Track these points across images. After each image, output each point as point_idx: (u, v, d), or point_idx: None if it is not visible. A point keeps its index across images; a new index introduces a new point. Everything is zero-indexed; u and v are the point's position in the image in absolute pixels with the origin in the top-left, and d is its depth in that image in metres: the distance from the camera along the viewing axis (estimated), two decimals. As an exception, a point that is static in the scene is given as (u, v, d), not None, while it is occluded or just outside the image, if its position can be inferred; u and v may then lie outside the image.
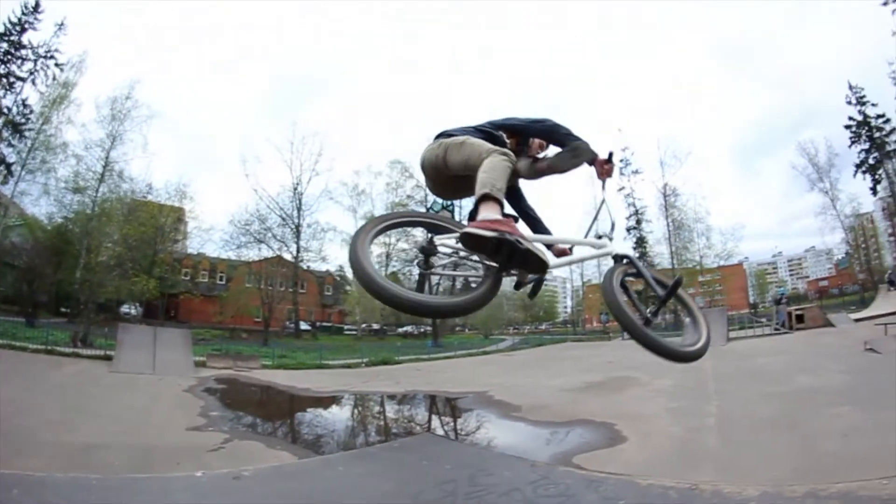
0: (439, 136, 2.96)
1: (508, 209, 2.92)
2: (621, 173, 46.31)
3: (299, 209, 42.15)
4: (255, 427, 9.75)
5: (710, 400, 10.36)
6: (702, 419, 8.80)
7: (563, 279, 65.90)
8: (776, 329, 26.52)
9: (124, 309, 35.53)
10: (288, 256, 42.07)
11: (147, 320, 30.63)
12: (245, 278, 40.48)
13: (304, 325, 42.66)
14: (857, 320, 24.75)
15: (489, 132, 2.96)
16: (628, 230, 47.16)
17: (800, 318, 25.80)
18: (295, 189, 42.06)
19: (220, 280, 43.60)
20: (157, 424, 8.65)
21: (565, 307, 71.70)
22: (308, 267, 44.77)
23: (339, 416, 11.62)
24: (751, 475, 5.85)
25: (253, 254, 41.02)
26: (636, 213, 46.75)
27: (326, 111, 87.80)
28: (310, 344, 29.34)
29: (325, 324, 47.46)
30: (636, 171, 46.10)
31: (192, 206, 40.02)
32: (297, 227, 41.89)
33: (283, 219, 41.78)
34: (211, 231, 40.85)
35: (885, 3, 33.23)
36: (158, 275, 36.20)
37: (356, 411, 12.05)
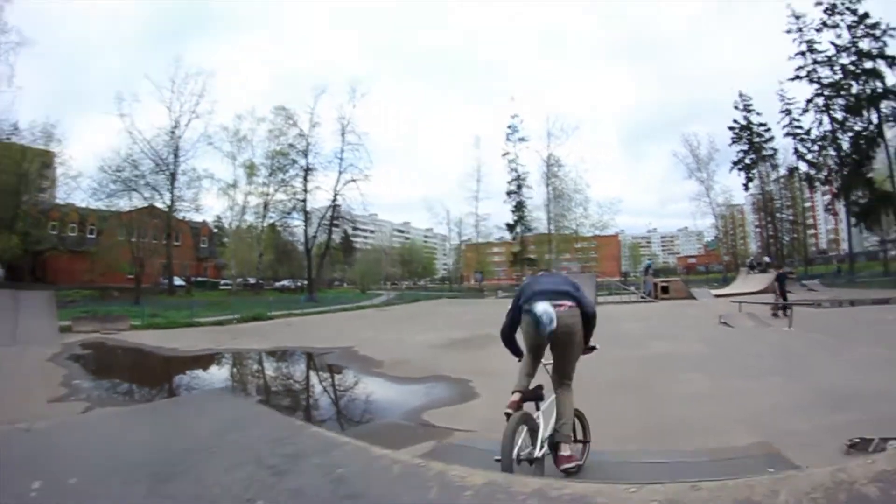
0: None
1: None
2: (508, 139, 49.53)
3: (176, 155, 39.27)
4: (119, 392, 9.57)
5: (570, 360, 10.69)
6: (555, 376, 8.98)
7: (443, 237, 67.68)
8: (642, 297, 28.81)
9: (-18, 272, 31.27)
10: (161, 206, 39.01)
11: (11, 283, 27.18)
12: (117, 231, 36.74)
13: (178, 281, 40.88)
14: (717, 296, 27.76)
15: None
16: (508, 194, 49.97)
17: (665, 290, 28.33)
18: (173, 132, 39.21)
19: (91, 234, 39.48)
20: (14, 401, 7.82)
21: (445, 265, 73.86)
22: (184, 217, 42.47)
23: (201, 375, 11.07)
24: (596, 435, 5.86)
25: (124, 203, 37.62)
26: (518, 178, 49.38)
27: (213, 49, 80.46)
28: (184, 301, 28.30)
29: (200, 279, 45.80)
30: (522, 139, 49.17)
31: (60, 149, 36.23)
32: (173, 174, 38.91)
33: (158, 164, 38.60)
34: (79, 178, 37.19)
35: (788, 31, 39.71)
36: (22, 230, 32.45)
37: (217, 370, 11.66)
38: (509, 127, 49.29)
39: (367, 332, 16.65)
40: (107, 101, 43.59)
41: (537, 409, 4.15)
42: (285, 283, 50.06)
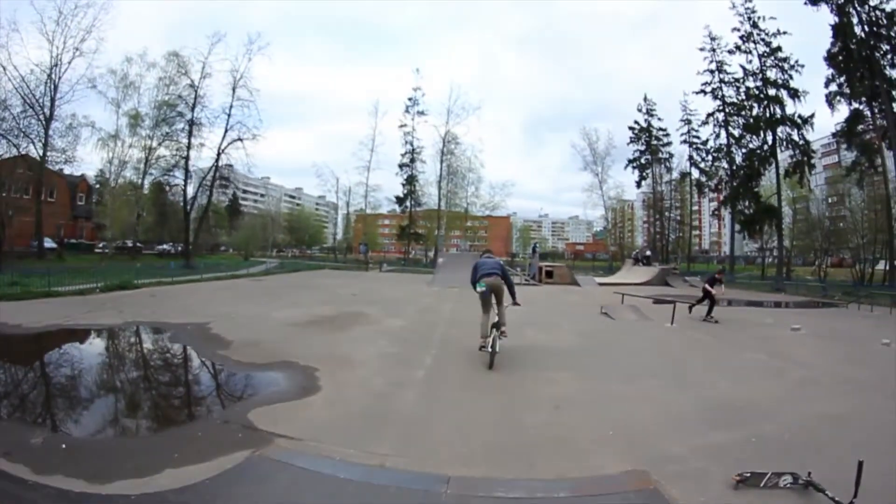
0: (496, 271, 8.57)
1: None
2: (407, 111, 49.53)
3: (53, 97, 34.91)
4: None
5: (430, 348, 9.75)
6: (410, 371, 7.99)
7: (335, 206, 65.79)
8: (527, 280, 28.77)
9: None
10: (33, 156, 34.35)
11: None
12: None
13: (50, 243, 36.69)
14: (601, 284, 28.24)
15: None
16: (401, 167, 49.60)
17: (549, 274, 28.54)
18: (52, 70, 34.64)
19: None
20: None
21: (335, 234, 71.90)
22: (60, 170, 38.45)
23: (27, 359, 9.18)
24: (437, 451, 4.89)
25: None
26: (412, 151, 49.30)
27: None
28: (53, 266, 24.65)
29: (74, 241, 41.95)
30: (422, 113, 49.25)
31: None
32: (48, 118, 34.59)
33: (32, 106, 33.86)
34: None
35: (701, 49, 44.14)
36: None
37: (46, 351, 9.71)
38: (410, 99, 49.40)
39: (230, 305, 15.27)
40: None
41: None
42: (166, 247, 46.69)
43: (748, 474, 4.05)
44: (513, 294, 8.65)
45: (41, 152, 34.68)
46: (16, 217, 32.57)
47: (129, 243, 42.19)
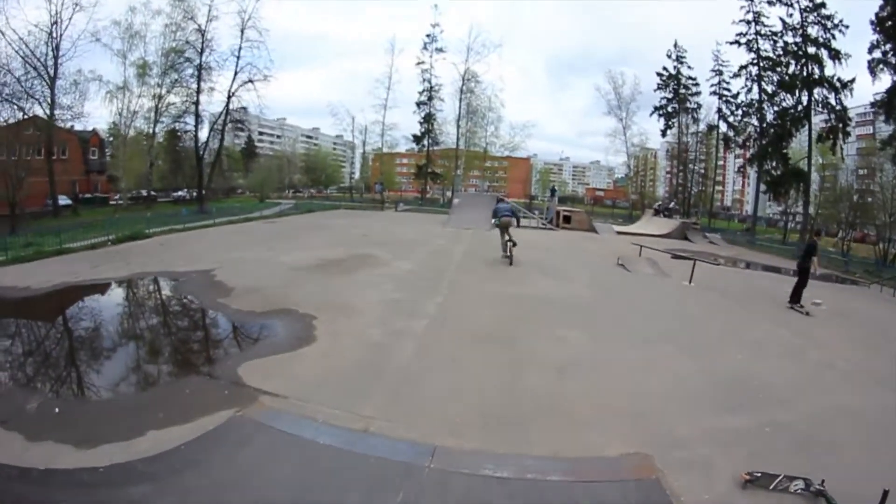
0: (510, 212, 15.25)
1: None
2: (425, 48, 46.92)
3: (56, 56, 33.51)
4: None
5: (436, 294, 9.39)
6: (411, 321, 7.70)
7: (353, 145, 64.64)
8: (544, 224, 28.15)
9: None
10: (40, 115, 33.03)
11: None
12: None
13: (65, 200, 36.35)
14: (620, 233, 27.48)
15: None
16: (419, 105, 48.04)
17: (567, 219, 27.83)
18: (52, 29, 32.78)
19: None
20: None
21: (351, 173, 71.04)
22: (71, 127, 37.05)
23: (29, 321, 8.97)
24: (427, 415, 4.64)
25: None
26: (430, 89, 47.44)
27: None
28: (68, 223, 24.91)
29: (89, 195, 40.97)
30: (440, 50, 46.81)
31: None
32: (52, 77, 33.30)
33: (35, 67, 32.46)
34: None
35: None
36: None
37: (48, 312, 9.52)
38: (428, 36, 46.85)
39: (238, 250, 14.98)
40: None
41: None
42: (181, 193, 45.82)
43: (759, 474, 3.79)
44: (517, 224, 16.44)
45: (49, 112, 33.95)
46: (29, 178, 31.94)
47: (144, 193, 41.82)
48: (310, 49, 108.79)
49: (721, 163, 51.59)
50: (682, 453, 4.15)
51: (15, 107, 32.22)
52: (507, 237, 13.78)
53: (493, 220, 14.62)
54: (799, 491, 3.71)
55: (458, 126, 47.59)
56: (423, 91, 47.75)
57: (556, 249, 17.89)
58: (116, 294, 10.69)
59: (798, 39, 37.70)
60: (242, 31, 40.30)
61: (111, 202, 40.85)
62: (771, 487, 3.71)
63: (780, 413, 5.20)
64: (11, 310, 9.44)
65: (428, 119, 48.06)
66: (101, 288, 10.99)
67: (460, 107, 47.37)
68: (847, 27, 36.07)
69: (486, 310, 8.51)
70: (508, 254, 13.57)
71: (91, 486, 3.55)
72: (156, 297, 10.58)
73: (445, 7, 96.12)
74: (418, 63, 47.28)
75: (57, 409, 4.84)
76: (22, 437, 4.17)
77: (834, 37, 36.44)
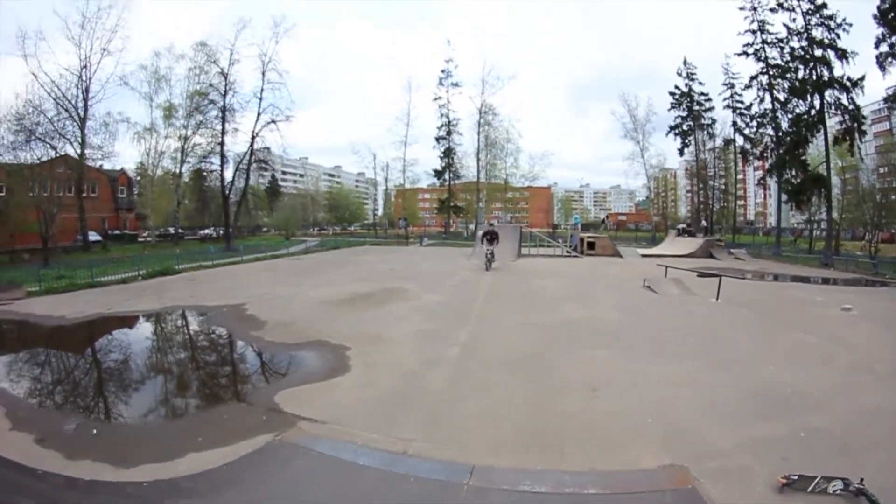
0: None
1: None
2: (440, 83, 48.39)
3: (86, 98, 35.59)
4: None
5: (466, 324, 9.51)
6: (444, 349, 7.83)
7: (375, 182, 65.88)
8: (568, 252, 28.13)
9: None
10: (73, 155, 35.13)
11: None
12: (26, 186, 32.28)
13: (94, 236, 37.78)
14: (645, 255, 27.25)
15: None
16: (438, 140, 48.98)
17: (591, 245, 27.78)
18: (81, 72, 35.34)
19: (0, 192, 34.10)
20: None
21: (375, 210, 72.17)
22: (100, 166, 39.13)
23: (65, 349, 9.37)
24: (464, 437, 4.72)
25: (27, 156, 33.05)
26: (448, 124, 48.58)
27: None
28: (98, 258, 25.50)
29: (118, 232, 42.78)
30: (456, 84, 48.34)
31: None
32: (83, 118, 35.33)
33: (66, 109, 34.65)
34: None
35: (741, 8, 40.04)
36: None
37: (84, 340, 10.01)
38: (443, 72, 48.36)
39: (267, 286, 15.39)
40: (8, 41, 38.60)
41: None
42: (208, 231, 47.39)
43: (795, 477, 3.70)
44: (496, 243, 20.48)
45: (79, 151, 35.44)
46: (60, 214, 33.26)
47: (171, 230, 43.12)
48: (327, 89, 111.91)
49: (741, 176, 50.83)
50: (716, 462, 4.10)
51: (48, 146, 33.79)
52: (488, 251, 20.03)
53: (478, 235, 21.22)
54: (838, 491, 3.61)
55: (478, 159, 48.30)
56: (442, 126, 48.92)
57: (581, 276, 17.91)
58: (150, 325, 11.04)
59: (804, 43, 37.23)
60: (264, 74, 41.83)
61: (140, 239, 42.12)
62: (809, 490, 3.62)
63: (815, 418, 5.07)
64: (47, 337, 9.91)
65: (448, 153, 48.82)
66: (135, 319, 11.38)
67: (479, 140, 48.27)
68: (850, 25, 35.64)
69: (516, 336, 8.57)
70: (487, 266, 19.51)
71: (136, 498, 3.69)
72: (190, 329, 10.84)
73: (461, 41, 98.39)
74: (435, 98, 48.45)
75: (94, 431, 5.02)
76: (61, 454, 4.32)
77: (839, 36, 35.98)
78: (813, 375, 6.52)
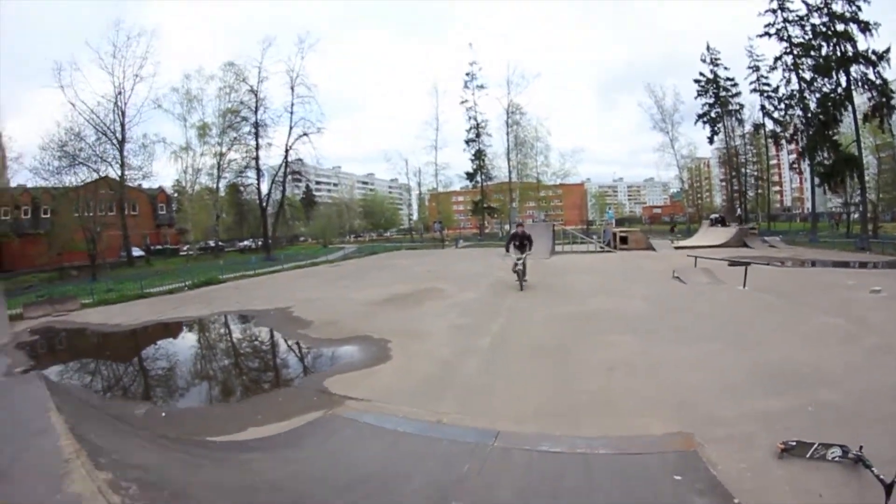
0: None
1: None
2: (466, 86, 48.54)
3: (122, 122, 37.52)
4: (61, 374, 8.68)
5: (498, 317, 9.96)
6: (477, 339, 8.31)
7: (408, 187, 66.71)
8: (602, 248, 28.18)
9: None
10: (114, 177, 37.19)
11: None
12: (70, 208, 34.79)
13: (137, 252, 39.82)
14: (678, 247, 27.09)
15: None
16: (467, 142, 49.21)
17: (624, 240, 27.76)
18: (116, 99, 37.31)
19: (46, 214, 36.98)
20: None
21: (410, 215, 72.94)
22: (139, 185, 41.02)
23: (130, 350, 10.37)
24: (493, 410, 5.22)
25: (71, 179, 35.52)
26: (477, 126, 48.67)
27: (154, 8, 75.15)
28: (142, 272, 27.34)
29: (160, 247, 44.82)
30: (481, 87, 48.27)
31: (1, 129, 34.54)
32: (121, 141, 37.27)
33: (105, 134, 36.75)
34: (20, 159, 35.03)
35: None
36: None
37: (144, 342, 11.03)
38: (468, 74, 48.35)
39: (310, 291, 16.13)
40: (46, 74, 40.92)
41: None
42: (247, 243, 48.97)
43: (794, 443, 3.84)
44: (529, 249, 14.46)
45: (119, 172, 37.23)
46: (104, 232, 35.35)
47: (211, 243, 44.56)
48: (358, 98, 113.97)
49: (774, 162, 49.13)
50: (721, 431, 4.36)
51: (90, 169, 35.81)
52: (518, 261, 13.79)
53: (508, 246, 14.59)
54: (837, 458, 3.66)
55: (509, 159, 48.29)
56: (471, 128, 49.16)
57: (611, 270, 18.06)
58: (203, 327, 11.88)
59: (825, 19, 35.57)
60: (293, 89, 43.18)
61: (181, 252, 43.79)
62: (808, 455, 3.72)
63: (826, 394, 5.16)
64: (107, 340, 10.80)
65: (478, 155, 49.01)
66: (189, 323, 12.26)
67: (508, 140, 48.27)
68: None
69: (545, 327, 8.96)
70: (519, 277, 13.80)
71: (207, 448, 4.38)
72: (239, 329, 11.62)
73: (485, 42, 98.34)
74: (462, 102, 48.68)
75: (163, 414, 5.73)
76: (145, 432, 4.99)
77: (860, 8, 34.30)
78: (830, 355, 6.57)
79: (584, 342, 7.75)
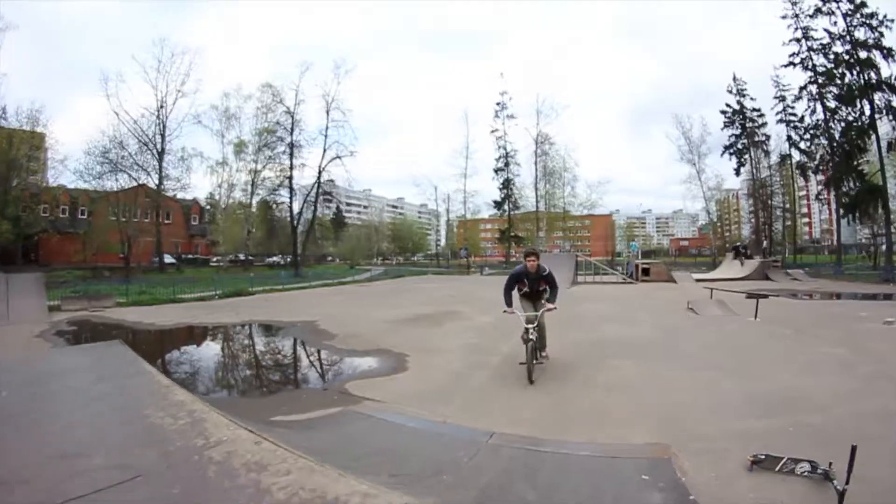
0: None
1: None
2: (496, 116, 49.18)
3: (163, 134, 39.67)
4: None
5: (510, 340, 10.21)
6: (488, 357, 8.77)
7: (437, 213, 67.50)
8: (624, 279, 28.21)
9: (-23, 259, 31.67)
10: (151, 185, 39.36)
11: (3, 267, 27.07)
12: (108, 211, 37.27)
13: (169, 259, 41.12)
14: (698, 280, 26.92)
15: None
16: (496, 171, 49.61)
17: (646, 272, 27.75)
18: (159, 112, 39.60)
19: (83, 215, 39.67)
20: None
21: (437, 240, 73.48)
22: (175, 196, 42.86)
23: (165, 347, 11.39)
24: (492, 415, 5.68)
25: (112, 184, 37.97)
26: (506, 155, 49.10)
27: (198, 27, 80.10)
28: (172, 278, 28.11)
29: (191, 256, 46.34)
30: (511, 116, 48.67)
31: (47, 132, 36.39)
32: (160, 152, 39.33)
33: (145, 144, 39.00)
34: (66, 161, 37.45)
35: (783, 17, 38.46)
36: (13, 214, 32.71)
37: (180, 341, 12.15)
38: (498, 104, 48.86)
39: (336, 307, 16.85)
40: (93, 83, 43.90)
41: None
42: (275, 258, 50.11)
43: (763, 456, 3.98)
44: (551, 299, 7.71)
45: (157, 182, 39.13)
46: (139, 237, 37.33)
47: (241, 256, 45.95)
48: (390, 122, 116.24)
49: (802, 193, 47.81)
50: (699, 445, 4.59)
51: (130, 176, 37.81)
52: (531, 327, 7.12)
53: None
54: (805, 473, 3.77)
55: (536, 189, 48.41)
56: (500, 157, 49.62)
57: (629, 300, 18.19)
58: (233, 333, 12.62)
59: (847, 47, 35.00)
60: (328, 113, 44.26)
61: (212, 263, 44.88)
62: (777, 469, 3.84)
63: (811, 418, 5.26)
64: (142, 337, 11.67)
65: (506, 184, 49.31)
66: (219, 328, 13.04)
67: (536, 170, 48.46)
68: (892, 21, 33.52)
69: (553, 349, 9.24)
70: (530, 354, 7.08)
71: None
72: (268, 337, 12.37)
73: (515, 71, 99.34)
74: (492, 131, 49.24)
75: None
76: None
77: (882, 35, 33.83)
78: (826, 382, 6.68)
79: (589, 364, 8.05)
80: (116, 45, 66.49)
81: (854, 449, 3.40)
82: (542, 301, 7.64)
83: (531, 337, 7.06)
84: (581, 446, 4.59)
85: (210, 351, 10.63)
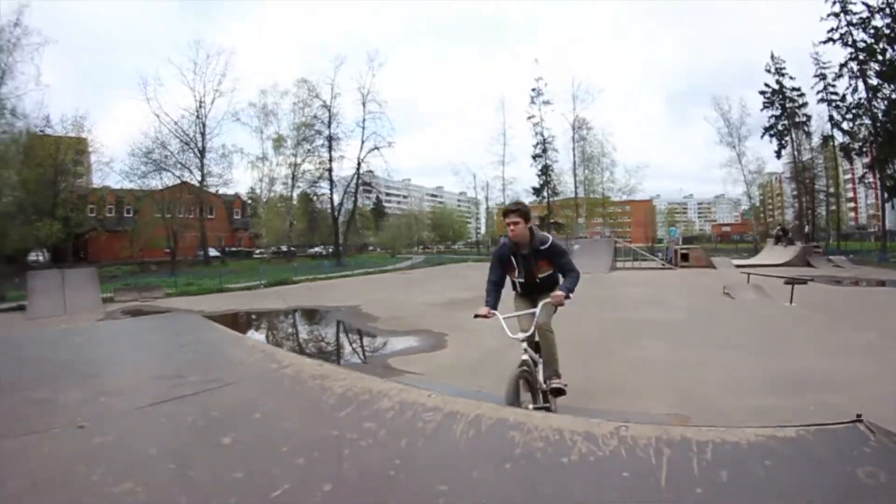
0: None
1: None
2: (532, 102, 47.45)
3: (203, 133, 40.36)
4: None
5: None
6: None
7: (477, 201, 67.16)
8: (663, 265, 27.96)
9: (31, 257, 33.94)
10: (193, 182, 40.35)
11: (56, 265, 28.47)
12: (152, 209, 38.52)
13: (213, 252, 41.95)
14: (738, 266, 26.42)
15: None
16: (534, 157, 48.49)
17: (685, 257, 27.38)
18: (198, 112, 40.32)
19: (128, 213, 41.32)
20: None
21: (478, 228, 73.23)
22: (217, 191, 43.82)
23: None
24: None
25: (156, 183, 39.23)
26: (543, 141, 47.83)
27: (231, 28, 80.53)
28: (218, 270, 29.54)
29: (234, 249, 47.31)
30: (547, 102, 47.08)
31: (91, 137, 38.01)
32: (202, 151, 40.14)
33: (187, 143, 39.82)
34: (112, 163, 38.98)
35: None
36: (62, 216, 34.31)
37: (231, 324, 12.84)
38: (534, 90, 47.39)
39: (378, 293, 17.53)
40: (133, 86, 45.69)
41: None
42: (317, 249, 50.69)
43: None
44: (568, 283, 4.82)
45: (200, 179, 40.22)
46: (184, 232, 38.74)
47: (284, 248, 46.52)
48: (427, 111, 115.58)
49: (848, 176, 44.23)
50: (711, 417, 4.81)
51: (174, 175, 39.23)
52: (524, 333, 4.73)
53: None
54: None
55: (575, 175, 47.13)
56: (537, 144, 48.16)
57: (667, 285, 18.18)
58: (281, 317, 13.46)
59: (888, 20, 32.33)
60: (364, 105, 44.37)
61: (255, 255, 45.72)
62: None
63: (833, 397, 5.27)
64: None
65: (545, 171, 48.22)
66: (268, 313, 13.88)
67: (574, 155, 46.99)
68: None
69: (588, 329, 9.55)
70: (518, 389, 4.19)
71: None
72: (314, 320, 13.17)
73: (551, 56, 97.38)
74: (529, 118, 47.86)
75: None
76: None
77: None
78: (852, 365, 6.64)
79: (620, 343, 8.37)
80: (152, 51, 68.73)
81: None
82: (551, 295, 4.57)
83: (526, 357, 4.48)
84: (600, 413, 4.85)
85: (260, 331, 11.49)
